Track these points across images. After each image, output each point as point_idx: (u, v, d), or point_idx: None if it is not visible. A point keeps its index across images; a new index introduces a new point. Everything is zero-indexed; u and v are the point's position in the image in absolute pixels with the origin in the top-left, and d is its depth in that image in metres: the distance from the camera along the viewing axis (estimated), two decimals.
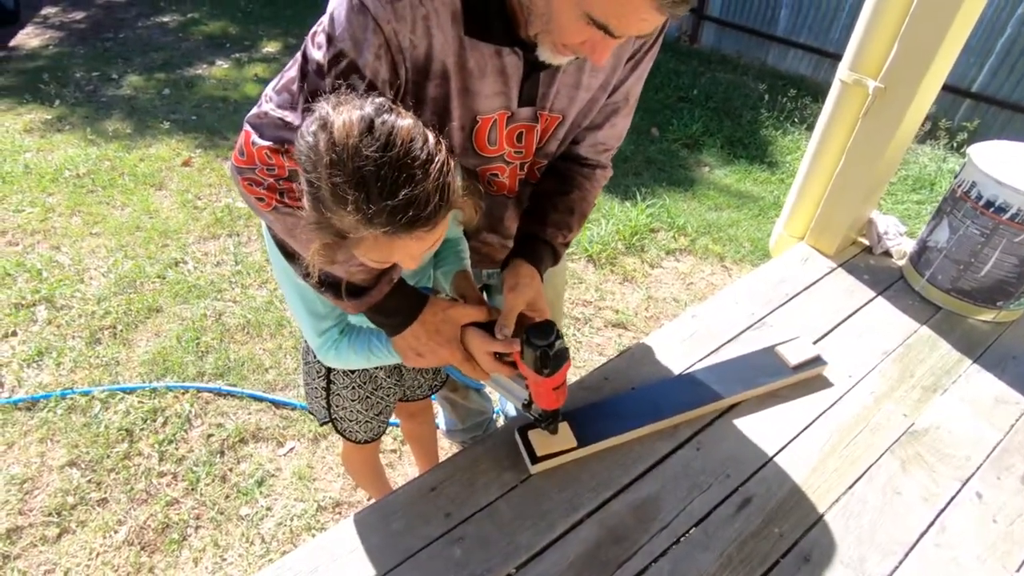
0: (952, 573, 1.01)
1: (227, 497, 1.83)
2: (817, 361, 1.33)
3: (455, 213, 0.81)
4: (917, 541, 1.06)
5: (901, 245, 1.71)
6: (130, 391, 2.11)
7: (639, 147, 3.84)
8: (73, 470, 1.87)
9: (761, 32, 5.01)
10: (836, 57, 1.45)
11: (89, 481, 1.85)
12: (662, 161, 3.72)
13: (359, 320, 1.02)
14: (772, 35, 4.95)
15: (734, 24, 5.18)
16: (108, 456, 1.91)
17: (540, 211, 1.04)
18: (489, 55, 0.82)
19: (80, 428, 1.98)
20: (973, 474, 1.17)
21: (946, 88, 3.98)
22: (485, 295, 1.18)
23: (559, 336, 0.89)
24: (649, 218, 3.12)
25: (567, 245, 1.08)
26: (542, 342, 0.87)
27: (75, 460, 1.90)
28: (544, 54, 0.79)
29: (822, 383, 1.33)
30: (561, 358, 0.89)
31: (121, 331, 2.36)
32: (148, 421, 2.02)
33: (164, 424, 2.02)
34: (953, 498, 1.13)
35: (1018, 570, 1.03)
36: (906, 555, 1.04)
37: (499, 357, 0.94)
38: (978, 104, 4.01)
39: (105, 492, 1.82)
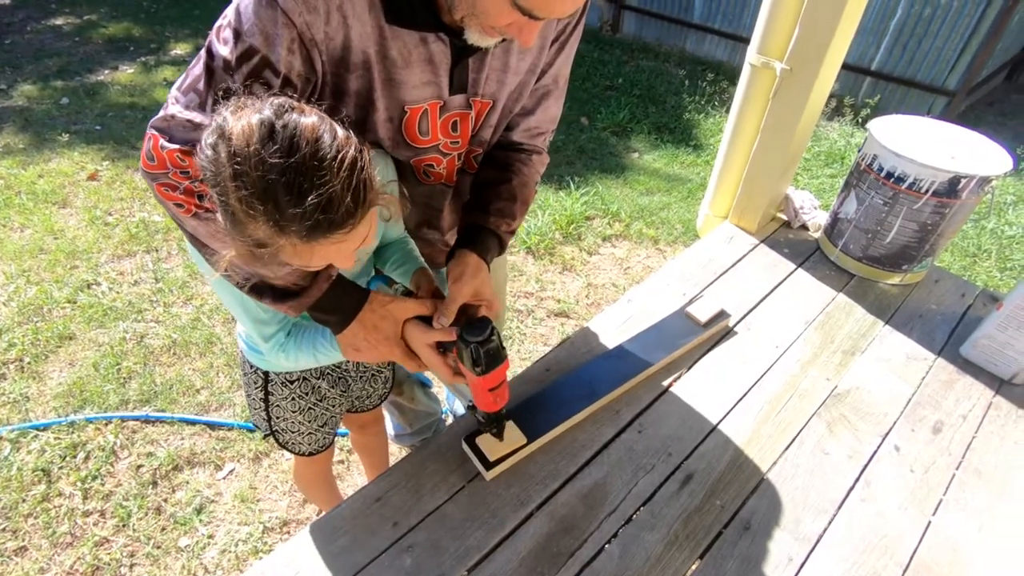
0: (878, 524, 1.08)
1: (163, 529, 1.73)
2: (723, 315, 1.43)
3: (380, 211, 0.78)
4: (845, 498, 1.12)
5: (816, 218, 1.80)
6: (44, 427, 1.95)
7: (570, 137, 3.88)
8: None
9: (678, 20, 5.17)
10: (749, 41, 1.51)
11: (3, 530, 1.69)
12: (593, 149, 3.78)
13: (303, 317, 0.98)
14: (689, 22, 5.11)
15: (652, 12, 5.31)
16: (24, 500, 1.76)
17: (482, 200, 1.02)
18: (413, 43, 0.80)
19: None
20: (891, 429, 1.25)
21: (848, 67, 4.26)
22: None
23: (495, 333, 0.87)
24: (584, 206, 3.17)
25: (512, 233, 1.06)
26: (474, 338, 0.85)
27: None
28: (472, 36, 0.78)
29: (753, 355, 1.39)
30: (495, 357, 0.87)
31: (29, 363, 2.17)
32: (67, 458, 1.88)
33: (86, 459, 1.88)
34: (875, 453, 1.20)
35: (935, 514, 1.11)
36: (836, 512, 1.10)
37: (441, 350, 0.92)
38: (878, 81, 4.30)
39: (23, 540, 1.68)
